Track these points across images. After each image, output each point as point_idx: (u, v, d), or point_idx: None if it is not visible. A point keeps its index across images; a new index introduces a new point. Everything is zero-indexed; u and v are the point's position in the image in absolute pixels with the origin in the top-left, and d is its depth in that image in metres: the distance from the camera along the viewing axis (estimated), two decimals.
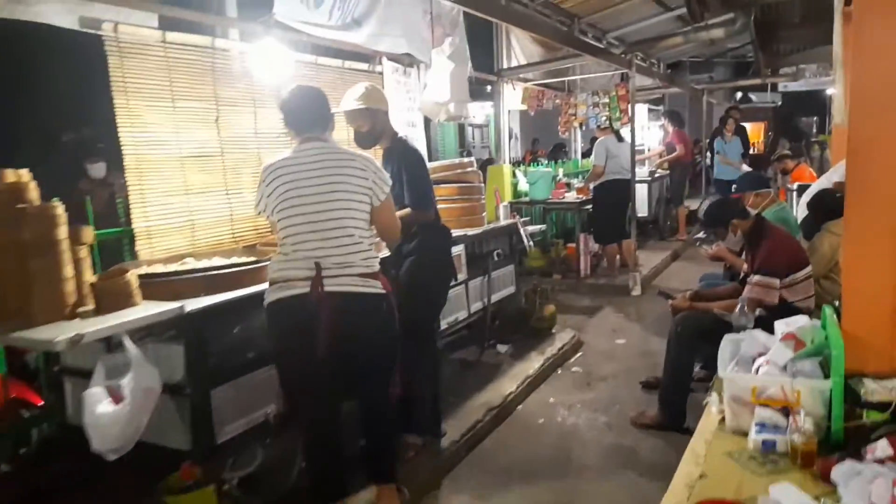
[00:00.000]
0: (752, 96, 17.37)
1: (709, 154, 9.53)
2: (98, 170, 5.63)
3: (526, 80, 7.12)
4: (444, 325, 3.76)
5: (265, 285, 2.55)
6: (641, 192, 7.69)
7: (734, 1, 4.48)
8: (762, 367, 2.30)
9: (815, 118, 17.08)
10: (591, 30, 7.73)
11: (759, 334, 2.52)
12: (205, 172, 3.34)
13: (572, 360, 4.43)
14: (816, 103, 17.60)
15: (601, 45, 6.83)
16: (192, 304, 2.29)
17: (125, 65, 2.95)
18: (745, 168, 7.84)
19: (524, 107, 7.11)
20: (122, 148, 2.95)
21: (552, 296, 5.03)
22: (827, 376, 2.17)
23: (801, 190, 5.54)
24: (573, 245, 6.64)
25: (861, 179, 2.08)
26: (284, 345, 2.31)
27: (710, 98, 11.35)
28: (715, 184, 8.87)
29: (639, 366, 4.22)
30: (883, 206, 2.06)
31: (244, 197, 3.57)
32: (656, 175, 8.66)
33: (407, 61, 4.73)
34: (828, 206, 3.69)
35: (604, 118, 6.91)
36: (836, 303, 2.51)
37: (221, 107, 3.43)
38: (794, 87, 14.97)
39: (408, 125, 4.83)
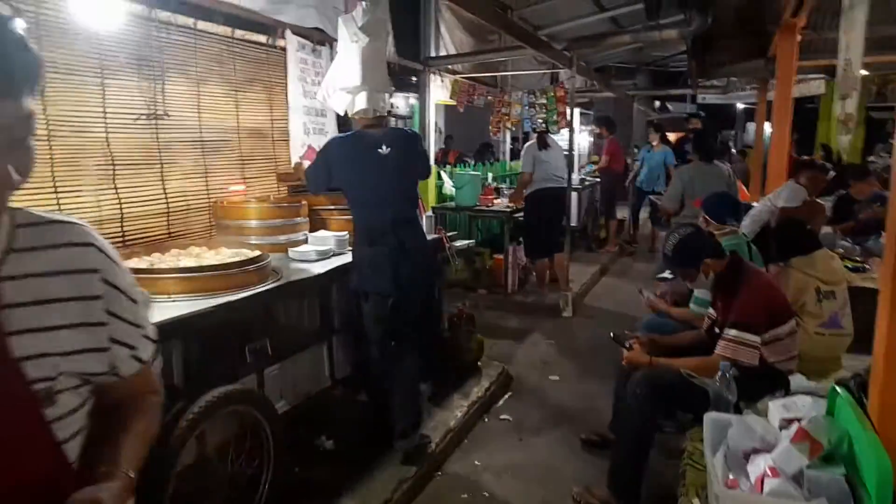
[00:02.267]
0: (670, 106, 17.56)
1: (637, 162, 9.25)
2: None
3: (454, 73, 6.44)
4: (348, 367, 3.03)
5: None
6: (571, 200, 7.23)
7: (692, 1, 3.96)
8: (767, 480, 1.72)
9: (732, 131, 17.49)
10: (524, 24, 7.16)
11: (754, 422, 1.95)
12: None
13: (500, 402, 3.79)
14: (730, 116, 18.10)
15: (542, 38, 6.23)
16: None
17: None
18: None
19: (452, 101, 6.42)
20: None
21: (477, 314, 4.38)
22: (855, 499, 1.63)
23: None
24: (500, 256, 6.03)
25: None
26: None
27: (639, 105, 11.15)
28: (636, 193, 8.61)
29: (576, 413, 3.64)
30: None
31: (82, 198, 2.66)
32: (586, 183, 8.25)
33: (317, 37, 3.92)
34: (797, 239, 3.23)
35: (539, 120, 6.34)
36: (850, 380, 1.99)
37: (50, 75, 2.51)
38: (710, 99, 15.25)
39: (317, 115, 4.03)
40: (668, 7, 4.25)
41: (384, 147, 2.84)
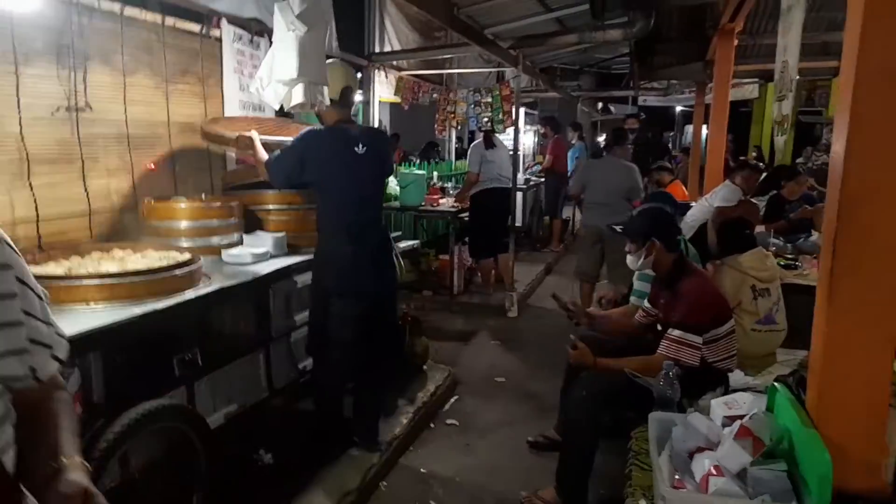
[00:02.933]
0: (612, 108, 17.95)
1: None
2: None
3: (400, 70, 6.34)
4: (286, 377, 2.90)
5: None
6: (517, 200, 7.26)
7: (635, 1, 4.00)
8: (712, 479, 1.71)
9: (671, 133, 18.00)
10: (470, 22, 7.13)
11: (698, 421, 1.95)
12: None
13: (447, 407, 3.73)
14: (670, 119, 18.64)
15: (488, 37, 6.21)
16: None
17: None
18: None
19: (397, 99, 6.32)
20: None
21: (422, 316, 4.30)
22: (797, 495, 1.64)
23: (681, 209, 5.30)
24: (445, 257, 5.98)
25: (857, 240, 1.54)
26: None
27: (583, 106, 11.31)
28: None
29: (523, 414, 3.62)
30: (882, 274, 1.54)
31: None
32: (531, 183, 8.30)
33: (255, 28, 3.76)
34: (738, 239, 3.29)
35: (485, 119, 6.31)
36: (788, 377, 2.02)
37: None
38: (651, 101, 15.66)
39: (255, 109, 3.87)
40: (613, 8, 4.30)
41: (360, 146, 2.79)
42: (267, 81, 2.56)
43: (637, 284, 3.52)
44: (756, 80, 10.12)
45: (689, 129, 17.19)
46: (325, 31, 2.55)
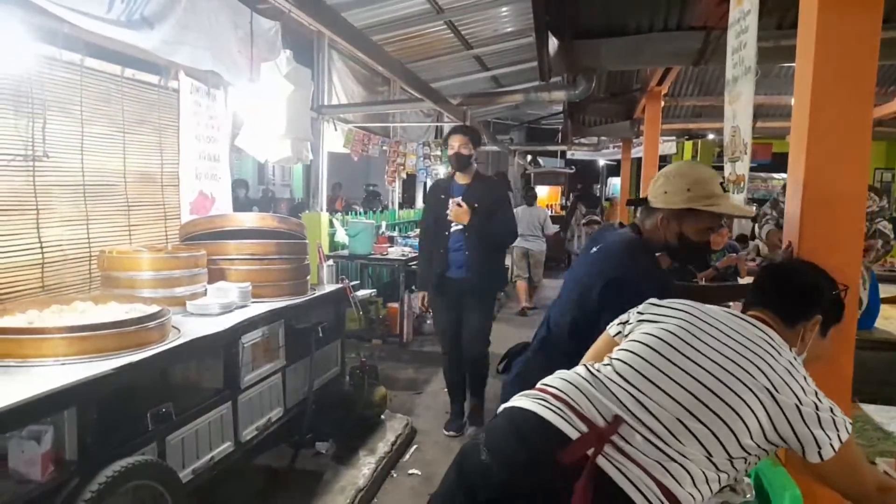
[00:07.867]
0: (541, 161, 18.75)
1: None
2: None
3: (346, 122, 6.45)
4: (253, 430, 2.82)
5: None
6: None
7: (578, 66, 4.30)
8: None
9: (598, 185, 18.92)
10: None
11: None
12: None
13: (407, 457, 3.70)
14: (595, 171, 19.64)
15: (439, 92, 6.43)
16: None
17: None
18: None
19: (346, 150, 6.40)
20: None
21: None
22: None
23: None
24: (395, 305, 6.00)
25: None
26: None
27: (519, 159, 11.79)
28: None
29: None
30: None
31: None
32: None
33: (212, 80, 3.77)
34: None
35: (435, 172, 6.48)
36: None
37: None
38: (579, 155, 16.49)
39: (210, 160, 3.84)
40: (558, 72, 4.61)
41: None
42: (255, 136, 2.58)
43: None
44: (674, 137, 10.88)
45: (612, 180, 18.23)
46: (309, 91, 2.62)
